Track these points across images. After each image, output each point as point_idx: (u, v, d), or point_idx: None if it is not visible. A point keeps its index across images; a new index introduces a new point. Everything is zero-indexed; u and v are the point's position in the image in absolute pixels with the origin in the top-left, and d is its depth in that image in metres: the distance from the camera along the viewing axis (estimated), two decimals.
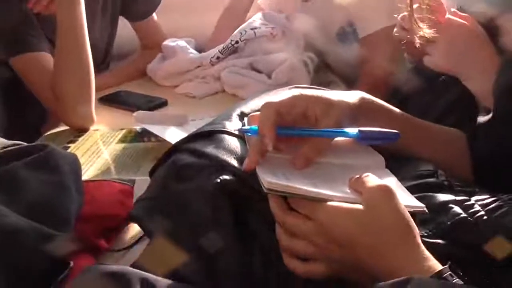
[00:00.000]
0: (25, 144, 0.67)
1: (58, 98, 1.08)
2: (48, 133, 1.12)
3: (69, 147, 1.03)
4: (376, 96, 1.20)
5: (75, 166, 0.64)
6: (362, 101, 0.61)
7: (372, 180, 0.48)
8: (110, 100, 1.29)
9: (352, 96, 0.60)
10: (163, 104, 1.25)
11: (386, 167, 0.57)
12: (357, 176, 0.49)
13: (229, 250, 0.51)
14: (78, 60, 1.07)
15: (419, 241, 0.44)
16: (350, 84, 1.35)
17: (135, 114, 1.01)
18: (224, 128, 0.65)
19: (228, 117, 0.68)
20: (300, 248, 0.48)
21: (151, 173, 0.68)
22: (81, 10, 1.07)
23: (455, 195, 0.51)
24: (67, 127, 1.12)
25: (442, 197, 0.51)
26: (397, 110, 0.63)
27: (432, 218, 0.49)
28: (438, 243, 0.47)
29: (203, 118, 1.05)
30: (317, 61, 1.32)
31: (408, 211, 0.47)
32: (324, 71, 1.37)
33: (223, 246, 0.51)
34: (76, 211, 0.60)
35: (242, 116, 0.69)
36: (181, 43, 1.40)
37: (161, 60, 1.45)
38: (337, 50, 1.38)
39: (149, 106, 1.22)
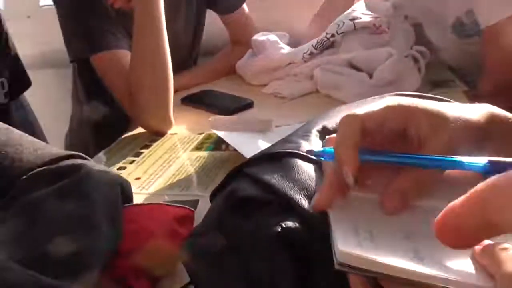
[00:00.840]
0: (61, 164, 0.57)
1: (133, 99, 1.00)
2: (125, 135, 1.05)
3: (142, 153, 0.95)
4: (503, 102, 0.95)
5: (112, 194, 0.53)
6: (491, 118, 0.42)
7: (509, 263, 0.30)
8: (193, 101, 1.19)
9: (476, 111, 0.42)
10: (248, 105, 1.12)
11: None
12: (487, 243, 0.32)
13: None
14: (155, 59, 0.98)
15: None
16: (470, 84, 1.13)
17: (211, 119, 0.89)
18: (298, 149, 0.50)
19: (306, 134, 0.54)
20: None
21: (211, 197, 0.55)
22: (160, 6, 0.97)
23: None
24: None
25: None
26: None
27: None
28: None
29: (290, 124, 0.91)
30: (429, 57, 1.11)
31: None
32: (438, 69, 1.15)
33: None
34: (109, 249, 0.49)
35: (324, 133, 0.54)
36: (272, 37, 1.27)
37: (251, 56, 1.33)
38: (453, 44, 1.17)
39: (233, 108, 1.10)
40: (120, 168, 0.89)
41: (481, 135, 0.41)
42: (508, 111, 1.01)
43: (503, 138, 0.43)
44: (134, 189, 0.80)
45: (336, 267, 0.31)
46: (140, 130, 1.06)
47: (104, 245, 0.49)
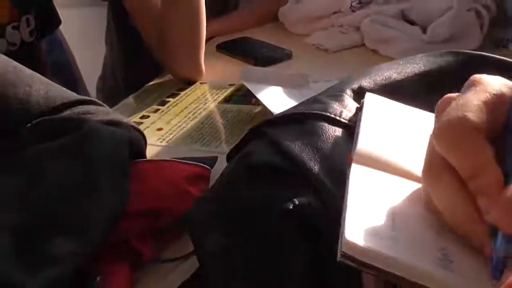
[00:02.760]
0: (64, 115, 0.53)
1: (161, 42, 0.94)
2: (152, 83, 1.00)
3: (168, 101, 0.90)
4: None
5: (118, 153, 0.48)
6: None
7: None
8: (229, 48, 1.12)
9: None
10: (286, 56, 1.05)
11: None
12: None
13: None
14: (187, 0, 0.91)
15: None
16: None
17: (242, 69, 0.83)
18: (326, 110, 0.43)
19: (339, 93, 0.46)
20: None
21: (228, 158, 0.50)
22: None
23: None
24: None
25: None
26: None
27: None
28: None
29: (330, 80, 0.83)
30: (495, 11, 0.99)
31: None
32: (503, 26, 1.03)
33: None
34: (112, 214, 0.45)
35: (359, 93, 0.47)
36: None
37: (295, 2, 1.23)
38: None
39: (269, 58, 1.03)
40: (143, 117, 0.85)
41: None
42: None
43: None
44: (153, 141, 0.76)
45: (339, 258, 0.25)
46: (168, 77, 1.00)
47: (107, 211, 0.44)
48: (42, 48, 1.11)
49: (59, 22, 1.11)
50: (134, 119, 0.83)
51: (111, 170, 0.47)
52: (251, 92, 0.83)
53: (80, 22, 1.71)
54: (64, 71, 1.28)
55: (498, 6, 1.01)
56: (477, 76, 0.31)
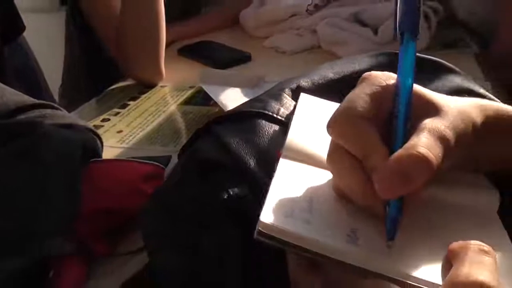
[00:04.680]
0: (18, 119, 0.54)
1: (121, 47, 0.96)
2: (113, 87, 1.01)
3: (128, 104, 0.92)
4: None
5: (71, 156, 0.50)
6: (485, 117, 0.36)
7: (467, 267, 0.26)
8: (190, 52, 1.15)
9: (471, 109, 0.36)
10: (245, 59, 1.08)
11: (506, 206, 0.35)
12: (455, 243, 0.29)
13: None
14: (145, 4, 0.93)
15: None
16: (483, 43, 1.06)
17: (200, 71, 0.86)
18: (264, 109, 0.46)
19: (278, 92, 0.50)
20: None
21: (179, 155, 0.52)
22: None
23: None
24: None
25: None
26: None
27: None
28: None
29: None
30: (442, 13, 1.04)
31: None
32: (450, 27, 1.08)
33: None
34: (65, 216, 0.47)
35: (298, 92, 0.50)
36: None
37: (257, 6, 1.27)
38: None
39: (228, 61, 1.06)
40: (103, 120, 0.86)
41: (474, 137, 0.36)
42: None
43: (496, 137, 0.37)
44: (113, 142, 0.78)
45: (255, 236, 0.28)
46: (130, 81, 1.02)
47: (59, 213, 0.46)
48: (5, 53, 1.11)
49: (23, 27, 1.12)
50: (94, 122, 0.84)
51: (63, 172, 0.48)
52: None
53: (44, 27, 1.71)
54: (28, 76, 1.28)
55: (446, 8, 1.06)
56: (366, 73, 0.35)
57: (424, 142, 0.30)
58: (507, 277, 0.29)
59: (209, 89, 0.82)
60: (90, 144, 0.57)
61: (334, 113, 0.32)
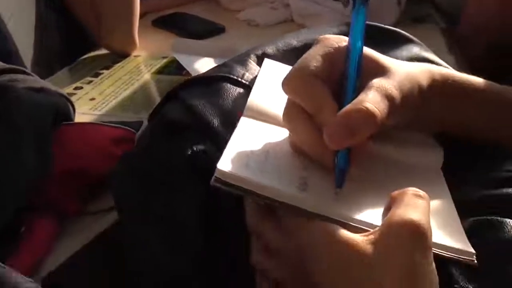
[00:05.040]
0: None
1: (95, 16, 0.96)
2: (86, 56, 1.02)
3: (101, 73, 0.92)
4: (480, 42, 0.90)
5: (42, 119, 0.51)
6: (432, 81, 0.39)
7: (402, 208, 0.29)
8: (165, 23, 1.15)
9: (419, 73, 0.39)
10: (219, 31, 1.09)
11: (451, 162, 0.38)
12: (396, 191, 0.32)
13: (189, 251, 0.37)
14: None
15: None
16: (451, 19, 1.09)
17: (173, 41, 0.87)
18: (230, 73, 0.48)
19: (243, 59, 0.52)
20: (273, 270, 0.32)
21: (149, 119, 0.54)
22: None
23: None
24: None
25: None
26: (481, 84, 0.41)
27: (488, 266, 0.30)
28: None
29: None
30: None
31: (445, 257, 0.30)
32: (419, 2, 1.11)
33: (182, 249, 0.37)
34: (36, 177, 0.48)
35: (262, 57, 0.52)
36: None
37: None
38: None
39: (202, 32, 1.07)
40: (76, 88, 0.87)
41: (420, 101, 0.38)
42: (485, 54, 0.97)
43: (443, 102, 0.40)
44: (85, 110, 0.79)
45: (212, 182, 0.31)
46: (103, 50, 1.03)
47: (29, 173, 0.48)
48: None
49: None
50: (67, 90, 0.85)
51: (34, 135, 0.50)
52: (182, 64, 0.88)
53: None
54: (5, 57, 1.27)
55: None
56: (321, 36, 0.37)
57: (370, 98, 0.32)
58: (444, 223, 0.32)
59: (181, 59, 0.83)
60: (62, 108, 0.58)
61: (289, 72, 0.35)
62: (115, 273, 0.46)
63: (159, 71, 0.92)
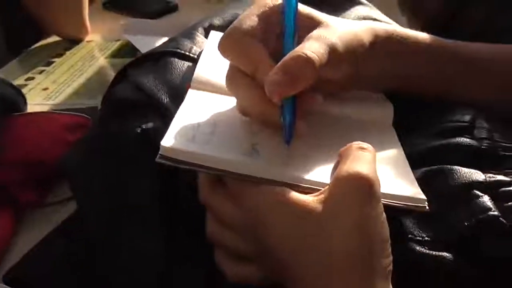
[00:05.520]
0: None
1: (44, 4, 0.93)
2: (37, 45, 0.98)
3: (54, 61, 0.90)
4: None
5: None
6: (375, 37, 0.39)
7: (348, 163, 0.29)
8: (115, 5, 1.12)
9: (362, 28, 0.39)
10: (172, 9, 1.07)
11: (402, 117, 0.38)
12: (346, 147, 0.31)
13: (144, 231, 0.36)
14: None
15: (388, 276, 0.27)
16: None
17: (124, 23, 0.84)
18: (177, 48, 0.47)
19: (191, 32, 0.51)
20: (230, 242, 0.32)
21: (102, 102, 0.53)
22: None
23: (494, 171, 0.32)
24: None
25: (465, 174, 0.32)
26: (426, 38, 0.41)
27: (440, 213, 0.31)
28: (443, 258, 0.29)
29: None
30: None
31: (398, 207, 0.30)
32: None
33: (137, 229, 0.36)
34: None
35: (209, 29, 0.51)
36: None
37: None
38: None
39: (155, 11, 1.05)
40: (28, 79, 0.84)
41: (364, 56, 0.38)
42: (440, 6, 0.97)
43: (387, 57, 0.40)
44: (39, 100, 0.77)
45: (156, 159, 0.30)
46: (54, 38, 0.99)
47: None
48: None
49: None
50: (18, 81, 0.82)
51: None
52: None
53: None
54: None
55: None
56: None
57: (307, 46, 0.32)
58: (396, 174, 0.32)
59: (134, 40, 0.81)
60: (10, 98, 0.56)
61: (224, 33, 0.34)
62: (78, 264, 0.45)
63: (113, 55, 0.90)
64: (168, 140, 0.31)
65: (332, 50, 0.33)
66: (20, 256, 0.46)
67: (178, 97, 0.41)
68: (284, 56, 0.33)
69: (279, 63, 0.32)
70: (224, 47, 0.34)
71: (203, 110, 0.36)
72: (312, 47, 0.32)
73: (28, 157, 0.52)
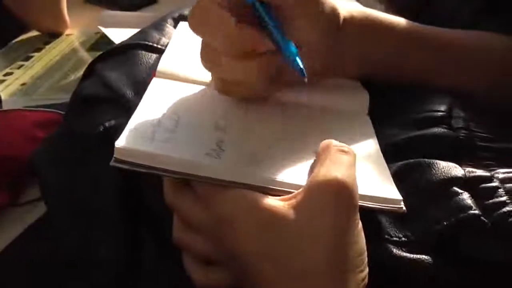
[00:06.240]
0: None
1: None
2: (17, 39, 0.94)
3: (33, 56, 0.85)
4: None
5: None
6: (351, 16, 0.36)
7: (325, 166, 0.26)
8: None
9: (338, 6, 0.36)
10: (151, 1, 1.02)
11: (374, 106, 0.35)
12: (324, 144, 0.28)
13: (108, 231, 0.33)
14: None
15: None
16: None
17: (100, 15, 0.80)
18: (144, 40, 0.43)
19: (160, 23, 0.47)
20: (197, 246, 0.28)
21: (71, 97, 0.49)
22: None
23: (471, 164, 0.29)
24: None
25: (444, 169, 0.29)
26: (401, 22, 0.38)
27: (418, 212, 0.27)
28: (422, 261, 0.26)
29: None
30: None
31: (373, 208, 0.27)
32: None
33: (102, 230, 0.33)
34: None
35: (179, 20, 0.47)
36: None
37: None
38: None
39: (134, 4, 1.00)
40: (6, 74, 0.80)
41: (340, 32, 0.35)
42: None
43: (362, 36, 0.37)
44: (16, 96, 0.72)
45: (112, 164, 0.27)
46: (34, 32, 0.95)
47: None
48: None
49: None
50: None
51: None
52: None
53: None
54: None
55: None
56: None
57: None
58: (371, 173, 0.29)
59: (109, 33, 0.77)
60: None
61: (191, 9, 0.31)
62: (51, 264, 0.42)
63: (92, 48, 0.86)
64: (123, 140, 0.27)
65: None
66: None
67: (143, 91, 0.38)
68: (280, 47, 0.29)
69: None
70: (193, 19, 0.31)
71: (167, 100, 0.32)
72: None
73: None
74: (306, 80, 0.29)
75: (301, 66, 0.28)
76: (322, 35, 0.33)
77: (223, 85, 0.33)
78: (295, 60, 0.28)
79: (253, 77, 0.31)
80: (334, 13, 0.34)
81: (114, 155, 0.27)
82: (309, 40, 0.32)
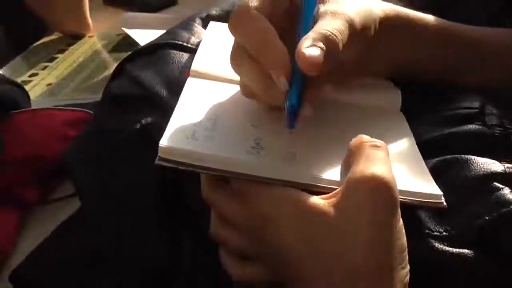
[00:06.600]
0: None
1: (46, 1, 0.89)
2: (41, 41, 0.94)
3: (56, 57, 0.86)
4: None
5: None
6: (385, 15, 0.35)
7: (361, 164, 0.25)
8: (115, 0, 1.08)
9: (372, 4, 0.35)
10: (171, 2, 1.02)
11: (405, 104, 0.34)
12: (356, 140, 0.28)
13: (145, 230, 0.33)
14: None
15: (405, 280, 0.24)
16: None
17: (122, 16, 0.80)
18: (174, 39, 0.43)
19: (189, 23, 0.47)
20: (234, 242, 0.28)
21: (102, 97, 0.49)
22: None
23: (508, 161, 0.28)
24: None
25: (483, 165, 0.28)
26: (430, 20, 0.38)
27: (457, 207, 0.27)
28: (465, 255, 0.26)
29: None
30: None
31: (413, 204, 0.26)
32: None
33: (139, 226, 0.33)
34: None
35: (207, 20, 0.47)
36: None
37: None
38: None
39: (155, 5, 1.00)
40: (32, 75, 0.80)
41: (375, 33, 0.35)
42: None
43: (394, 35, 0.36)
44: (43, 96, 0.73)
45: (156, 162, 0.27)
46: (56, 34, 0.95)
47: None
48: None
49: None
50: (22, 78, 0.78)
51: None
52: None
53: None
54: None
55: None
56: None
57: (327, 24, 0.28)
58: (408, 168, 0.29)
59: (133, 33, 0.77)
60: (10, 95, 0.53)
61: (232, 12, 0.31)
62: (85, 261, 0.42)
63: (115, 49, 0.86)
64: (166, 139, 0.27)
65: (351, 26, 0.29)
66: (25, 255, 0.43)
67: (177, 89, 0.38)
68: (304, 26, 0.29)
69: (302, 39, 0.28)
70: (232, 24, 0.30)
71: (203, 100, 0.32)
72: (334, 25, 0.28)
73: (30, 154, 0.49)
74: (290, 132, 0.28)
75: (293, 120, 0.28)
76: (354, 49, 0.32)
77: (247, 90, 0.32)
78: (291, 113, 0.28)
79: (278, 97, 0.30)
80: (370, 18, 0.33)
81: (158, 154, 0.27)
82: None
